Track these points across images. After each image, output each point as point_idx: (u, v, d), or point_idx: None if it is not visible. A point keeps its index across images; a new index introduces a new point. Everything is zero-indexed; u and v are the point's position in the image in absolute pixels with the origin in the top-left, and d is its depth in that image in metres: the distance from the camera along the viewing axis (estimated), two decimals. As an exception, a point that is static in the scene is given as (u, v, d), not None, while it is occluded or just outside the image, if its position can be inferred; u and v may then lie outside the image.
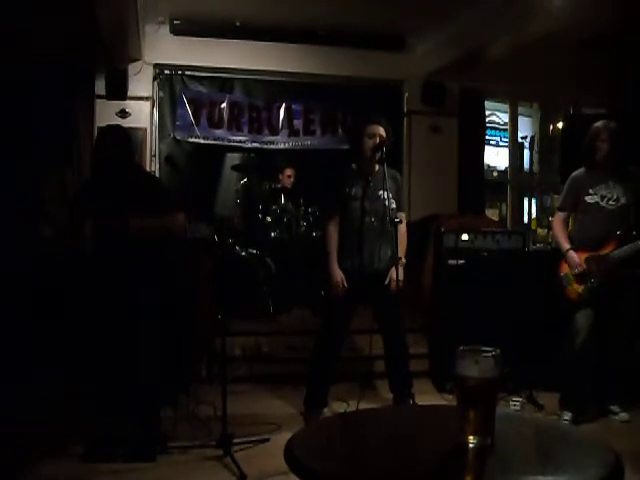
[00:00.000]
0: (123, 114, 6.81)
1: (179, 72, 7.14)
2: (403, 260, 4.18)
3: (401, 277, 4.08)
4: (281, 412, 4.43)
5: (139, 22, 5.84)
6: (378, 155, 4.10)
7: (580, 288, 4.18)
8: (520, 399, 4.58)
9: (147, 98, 6.95)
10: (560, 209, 4.46)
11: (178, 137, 7.12)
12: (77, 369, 4.24)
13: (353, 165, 4.26)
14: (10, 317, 4.37)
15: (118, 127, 4.35)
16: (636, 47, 5.74)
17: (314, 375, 4.29)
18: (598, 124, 4.24)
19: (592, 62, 6.24)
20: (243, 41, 6.98)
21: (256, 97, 7.39)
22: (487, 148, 8.38)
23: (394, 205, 4.13)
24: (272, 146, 7.38)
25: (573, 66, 6.45)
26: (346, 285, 4.11)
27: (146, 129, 6.92)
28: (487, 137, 8.54)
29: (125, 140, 4.06)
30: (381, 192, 4.10)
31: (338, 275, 4.12)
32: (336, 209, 4.22)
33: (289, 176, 6.91)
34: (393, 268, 4.10)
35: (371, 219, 4.12)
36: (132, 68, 6.77)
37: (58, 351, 4.44)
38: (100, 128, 5.10)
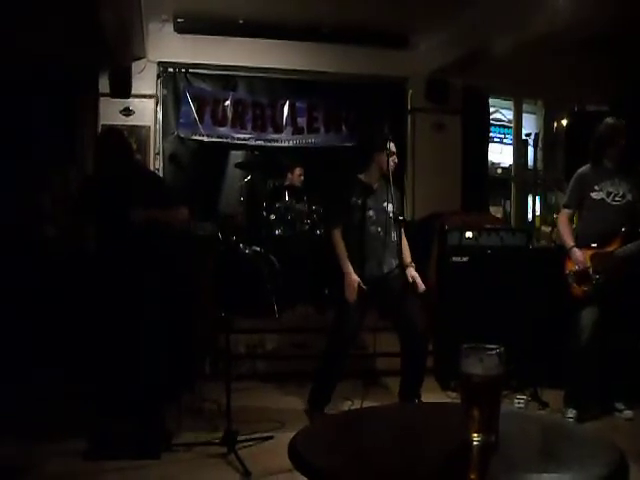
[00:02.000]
0: (127, 112, 6.81)
1: (183, 70, 7.14)
2: (413, 263, 4.24)
3: (418, 277, 4.16)
4: (285, 409, 4.44)
5: (143, 20, 5.84)
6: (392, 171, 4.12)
7: (585, 285, 4.18)
8: (524, 397, 4.58)
9: (151, 96, 6.95)
10: (565, 206, 4.46)
11: (182, 135, 7.12)
12: (77, 369, 4.24)
13: (359, 176, 4.26)
14: (10, 317, 4.38)
15: (115, 130, 4.39)
16: (638, 46, 5.72)
17: (324, 374, 4.28)
18: (613, 121, 4.23)
19: (594, 60, 6.22)
20: (247, 39, 6.97)
21: (260, 95, 7.39)
22: (491, 145, 8.38)
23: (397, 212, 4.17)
24: (276, 144, 7.38)
25: (576, 64, 6.42)
26: (363, 287, 4.09)
27: (150, 127, 6.93)
28: (491, 134, 8.54)
29: (123, 141, 4.08)
30: (385, 203, 4.13)
31: (355, 280, 4.08)
32: (340, 219, 4.23)
33: (299, 175, 6.89)
34: (409, 269, 4.16)
35: (377, 229, 4.14)
36: (136, 66, 6.77)
37: (58, 351, 4.44)
38: (99, 133, 5.12)
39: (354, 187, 4.24)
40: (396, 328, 4.24)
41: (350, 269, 4.10)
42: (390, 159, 4.12)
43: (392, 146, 4.16)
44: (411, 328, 4.17)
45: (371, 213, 4.15)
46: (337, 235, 4.19)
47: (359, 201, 4.17)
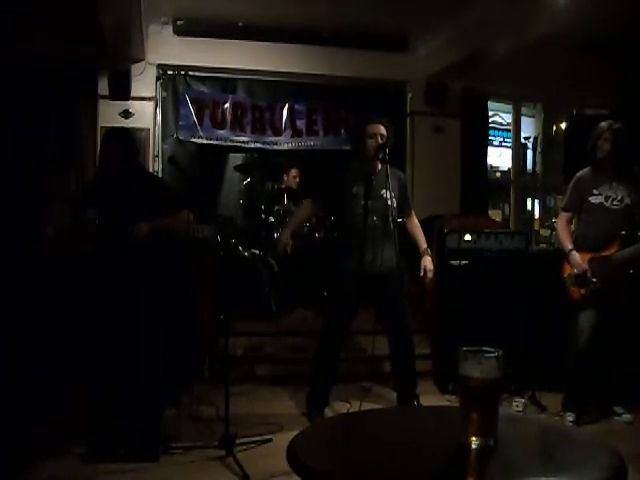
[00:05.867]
0: (126, 114, 6.82)
1: (182, 72, 7.15)
2: (429, 250, 4.32)
3: (431, 267, 4.25)
4: (283, 412, 4.43)
5: (142, 23, 5.84)
6: (381, 155, 4.11)
7: (583, 289, 4.18)
8: (523, 400, 4.57)
9: (150, 98, 6.96)
10: (564, 209, 4.45)
11: (181, 137, 7.13)
12: (77, 369, 4.24)
13: (356, 164, 4.28)
14: (10, 316, 4.37)
15: (122, 130, 4.38)
16: (638, 48, 5.73)
17: (317, 375, 4.30)
18: (602, 124, 4.23)
19: (595, 63, 6.24)
20: (246, 41, 6.98)
21: (259, 97, 7.39)
22: (490, 149, 8.38)
23: (395, 204, 4.14)
24: (275, 146, 7.39)
25: (576, 67, 6.44)
26: (289, 251, 4.40)
27: (149, 129, 6.94)
28: (490, 138, 8.54)
29: (129, 143, 4.08)
30: (383, 191, 4.11)
31: (285, 238, 4.43)
32: (323, 204, 4.46)
33: (294, 176, 6.89)
34: (425, 258, 4.25)
35: (373, 218, 4.12)
36: (135, 68, 6.78)
37: (58, 351, 4.43)
38: (105, 131, 5.11)
39: (351, 176, 4.24)
40: (386, 329, 4.26)
41: (286, 232, 4.47)
42: (372, 140, 4.12)
43: (373, 127, 4.15)
44: (401, 330, 4.22)
45: (368, 201, 4.10)
46: (306, 205, 4.55)
47: (355, 189, 4.16)
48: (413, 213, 4.45)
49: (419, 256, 4.32)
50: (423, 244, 4.33)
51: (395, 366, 4.35)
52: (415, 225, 4.41)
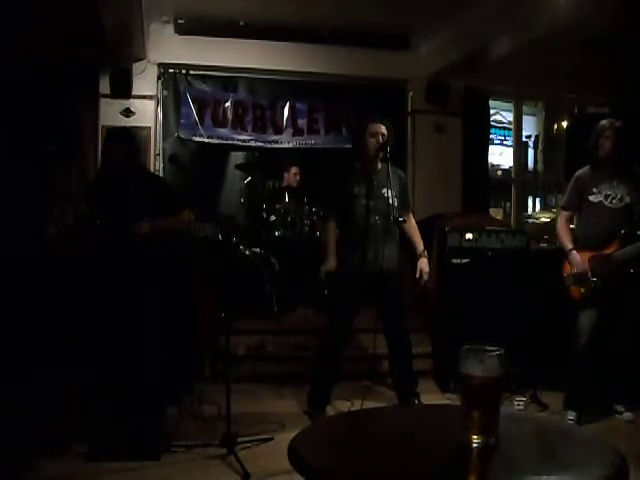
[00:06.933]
0: (127, 113, 6.82)
1: (183, 71, 7.15)
2: (425, 252, 4.31)
3: (427, 269, 4.26)
4: (285, 411, 4.44)
5: (143, 21, 5.85)
6: (382, 154, 4.11)
7: (583, 288, 4.17)
8: (524, 399, 4.57)
9: (151, 97, 6.96)
10: (564, 208, 4.45)
11: (182, 136, 7.13)
12: (77, 369, 4.24)
13: (357, 164, 4.28)
14: (11, 316, 4.37)
15: (124, 129, 4.38)
16: (638, 46, 5.72)
17: (318, 373, 4.30)
18: (603, 122, 4.23)
19: (595, 61, 6.23)
20: (247, 40, 6.98)
21: (260, 96, 7.39)
22: (491, 147, 8.37)
23: (397, 203, 4.15)
24: (276, 145, 7.39)
25: (577, 65, 6.43)
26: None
27: (150, 128, 6.94)
28: (491, 136, 8.53)
29: (131, 142, 4.09)
30: (384, 190, 4.11)
31: (332, 263, 4.24)
32: (335, 210, 4.33)
33: (295, 174, 6.88)
34: (421, 260, 4.26)
35: (375, 217, 4.13)
36: (136, 67, 6.78)
37: (58, 351, 4.43)
38: (107, 131, 5.13)
39: (352, 176, 4.24)
40: (384, 329, 4.27)
41: (332, 258, 4.25)
42: (373, 139, 4.12)
43: (375, 126, 4.15)
44: (398, 330, 4.23)
45: (369, 201, 4.11)
46: (330, 225, 4.33)
47: (356, 189, 4.16)
48: (411, 214, 4.45)
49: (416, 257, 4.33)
50: (420, 246, 4.33)
51: (393, 366, 4.36)
52: (412, 226, 4.40)
